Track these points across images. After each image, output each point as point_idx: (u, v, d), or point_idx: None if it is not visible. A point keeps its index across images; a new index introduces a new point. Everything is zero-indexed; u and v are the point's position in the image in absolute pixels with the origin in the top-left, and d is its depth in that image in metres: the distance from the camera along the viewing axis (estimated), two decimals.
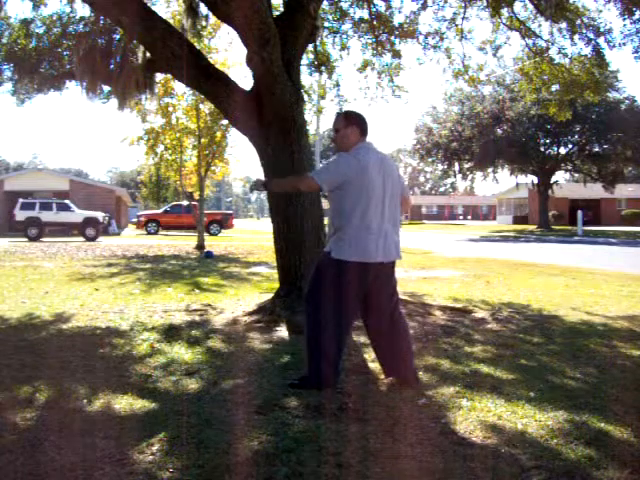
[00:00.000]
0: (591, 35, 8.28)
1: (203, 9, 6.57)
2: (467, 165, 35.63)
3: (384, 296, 3.41)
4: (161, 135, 16.50)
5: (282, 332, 4.92)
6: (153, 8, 6.44)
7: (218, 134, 16.13)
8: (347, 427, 2.80)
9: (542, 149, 33.71)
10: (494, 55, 9.51)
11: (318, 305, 3.29)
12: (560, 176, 41.74)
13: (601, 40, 8.31)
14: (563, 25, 8.28)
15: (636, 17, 7.79)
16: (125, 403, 3.12)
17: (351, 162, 3.28)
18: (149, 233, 28.65)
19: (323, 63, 9.12)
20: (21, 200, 23.16)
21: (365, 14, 8.77)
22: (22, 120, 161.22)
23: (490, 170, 36.02)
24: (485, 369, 3.80)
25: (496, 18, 8.62)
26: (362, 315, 3.49)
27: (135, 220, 32.90)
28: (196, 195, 18.18)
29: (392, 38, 8.92)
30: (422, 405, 3.14)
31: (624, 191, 43.15)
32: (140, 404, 3.11)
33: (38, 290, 7.52)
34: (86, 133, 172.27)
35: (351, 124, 3.42)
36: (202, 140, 15.98)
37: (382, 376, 3.58)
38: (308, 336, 3.35)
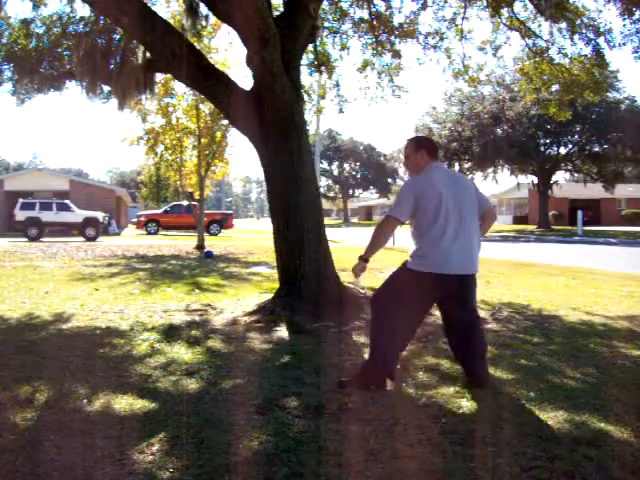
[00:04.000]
0: (591, 35, 8.28)
1: (203, 9, 6.58)
2: (467, 165, 35.61)
3: (463, 306, 3.48)
4: (161, 135, 16.49)
5: (282, 332, 4.92)
6: (153, 8, 6.44)
7: (218, 134, 16.12)
8: (347, 427, 2.80)
9: (542, 149, 33.67)
10: (494, 55, 9.50)
11: (385, 309, 3.39)
12: (560, 176, 41.71)
13: (601, 40, 8.31)
14: (563, 25, 8.28)
15: (636, 17, 7.78)
16: (125, 403, 3.12)
17: (415, 182, 3.45)
18: (149, 233, 28.64)
19: (323, 63, 9.12)
20: (21, 200, 23.13)
21: (365, 14, 8.78)
22: (22, 120, 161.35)
23: (490, 170, 36.01)
24: None
25: (496, 18, 8.63)
26: (444, 320, 3.62)
27: (135, 220, 32.88)
28: (196, 195, 18.17)
29: (392, 38, 8.92)
30: (422, 405, 3.14)
31: (624, 191, 43.11)
32: (140, 404, 3.11)
33: (38, 290, 7.52)
34: (86, 133, 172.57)
35: (420, 149, 3.55)
36: (202, 140, 15.97)
37: None
38: (372, 336, 3.47)
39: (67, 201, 24.34)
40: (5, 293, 7.26)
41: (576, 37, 8.35)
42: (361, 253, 3.49)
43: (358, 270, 3.47)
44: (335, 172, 64.89)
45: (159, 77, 12.26)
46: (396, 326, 3.37)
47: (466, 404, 3.12)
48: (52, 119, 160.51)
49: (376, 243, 3.45)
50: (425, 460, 2.45)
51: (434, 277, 3.31)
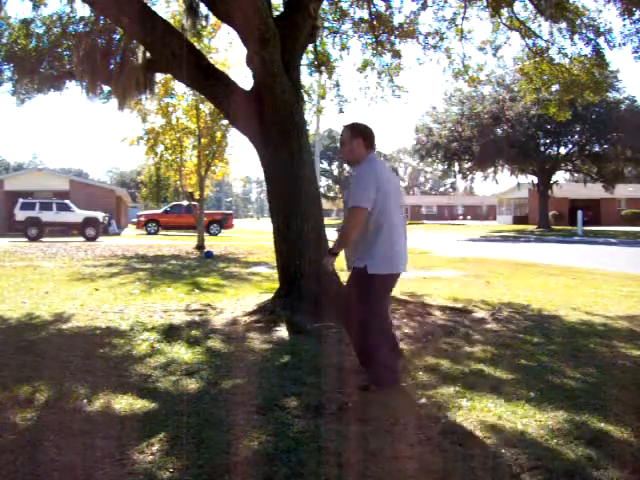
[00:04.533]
0: (591, 35, 8.29)
1: (203, 9, 6.58)
2: (467, 165, 35.62)
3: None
4: (161, 135, 16.49)
5: (282, 332, 4.91)
6: (153, 8, 6.45)
7: (218, 134, 16.12)
8: (347, 427, 2.80)
9: (542, 149, 33.70)
10: (494, 55, 9.51)
11: (364, 317, 3.36)
12: (560, 176, 41.74)
13: (601, 40, 8.32)
14: (563, 25, 8.29)
15: (636, 17, 7.79)
16: (125, 403, 3.12)
17: (372, 171, 3.33)
18: (149, 233, 28.64)
19: (323, 63, 9.12)
20: (21, 200, 23.13)
21: (365, 14, 8.78)
22: (22, 120, 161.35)
23: (490, 170, 36.02)
24: (485, 369, 3.81)
25: (496, 18, 8.63)
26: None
27: (135, 220, 32.88)
28: (196, 195, 18.17)
29: (392, 38, 8.92)
30: (422, 405, 3.14)
31: (624, 191, 43.12)
32: (140, 404, 3.11)
33: (38, 290, 7.52)
34: (86, 133, 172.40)
35: (356, 136, 3.44)
36: (202, 140, 15.98)
37: None
38: (364, 344, 3.42)
39: (67, 201, 24.34)
40: (5, 293, 7.26)
41: (576, 37, 8.36)
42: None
43: (328, 264, 3.47)
44: (335, 172, 64.91)
45: (159, 77, 12.26)
46: (386, 336, 3.46)
47: (466, 404, 3.12)
48: (52, 119, 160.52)
49: (345, 238, 3.34)
50: (425, 460, 2.45)
51: (394, 277, 3.40)
